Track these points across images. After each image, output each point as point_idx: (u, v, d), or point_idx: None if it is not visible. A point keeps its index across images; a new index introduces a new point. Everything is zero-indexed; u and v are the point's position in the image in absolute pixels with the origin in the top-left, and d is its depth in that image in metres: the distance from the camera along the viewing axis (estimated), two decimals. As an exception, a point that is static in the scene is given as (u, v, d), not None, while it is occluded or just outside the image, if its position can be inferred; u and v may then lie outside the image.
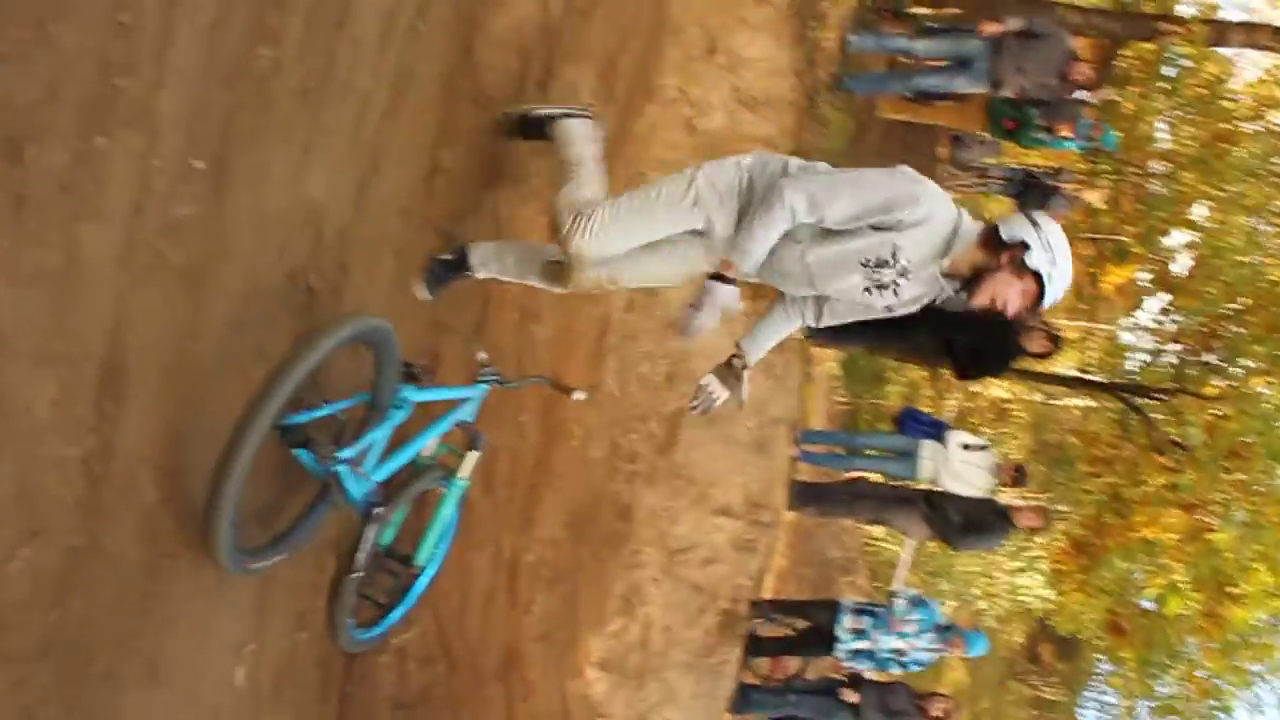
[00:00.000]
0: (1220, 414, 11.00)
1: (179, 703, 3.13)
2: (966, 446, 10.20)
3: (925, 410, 14.93)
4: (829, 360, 16.36)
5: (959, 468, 10.04)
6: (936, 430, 10.58)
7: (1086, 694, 31.78)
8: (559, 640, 7.15)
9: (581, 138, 4.50)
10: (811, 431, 12.12)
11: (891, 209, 3.70)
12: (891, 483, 11.09)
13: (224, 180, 2.93)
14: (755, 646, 10.62)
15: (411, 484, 4.07)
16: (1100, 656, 25.42)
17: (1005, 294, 3.76)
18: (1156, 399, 12.31)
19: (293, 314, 3.42)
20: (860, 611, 9.94)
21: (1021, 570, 21.53)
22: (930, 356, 12.74)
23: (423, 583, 4.51)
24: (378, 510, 3.71)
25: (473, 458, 4.37)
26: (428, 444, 4.18)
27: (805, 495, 10.73)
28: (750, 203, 3.89)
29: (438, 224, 4.58)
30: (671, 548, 8.97)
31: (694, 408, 4.10)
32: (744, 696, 10.39)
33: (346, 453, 3.48)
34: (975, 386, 20.47)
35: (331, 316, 3.51)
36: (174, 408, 2.95)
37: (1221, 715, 16.10)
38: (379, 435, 3.69)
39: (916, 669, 10.00)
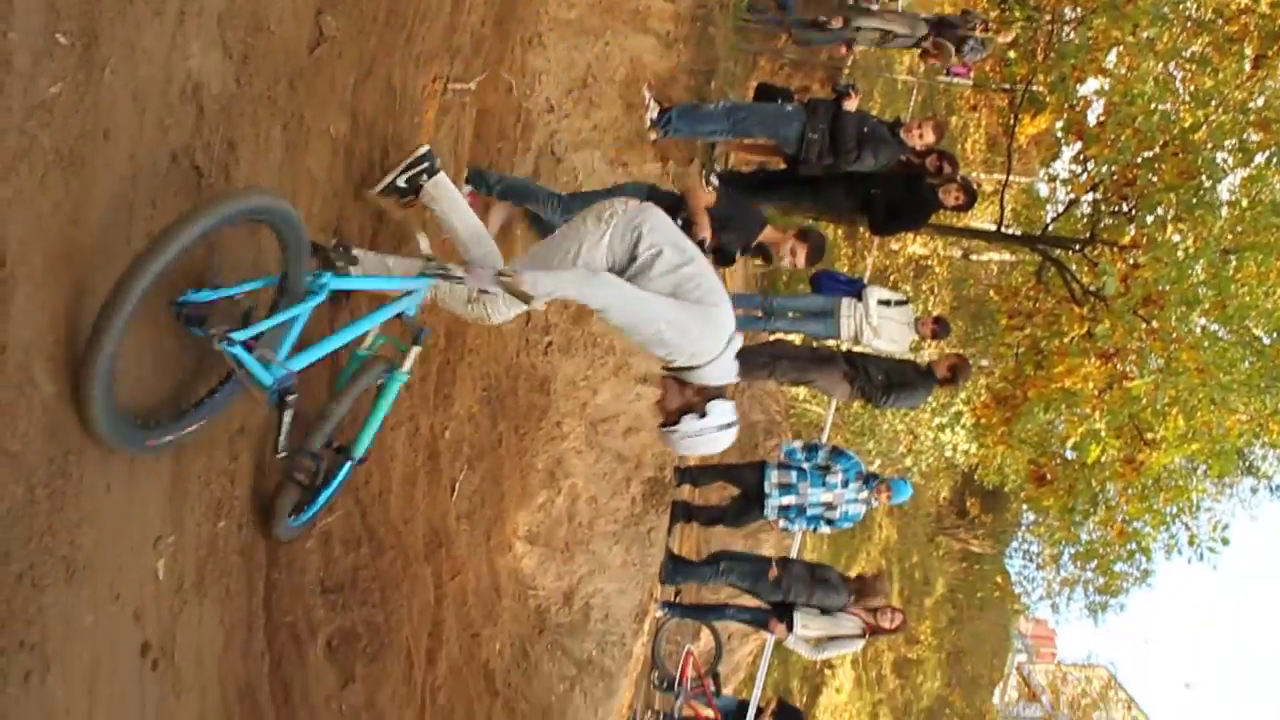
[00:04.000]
0: (1135, 262, 11.05)
1: (100, 599, 3.05)
2: (884, 302, 10.18)
3: (842, 270, 14.96)
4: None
5: (878, 323, 10.03)
6: (854, 288, 10.55)
7: (1013, 545, 32.67)
8: (484, 517, 7.15)
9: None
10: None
11: None
12: (812, 344, 11.10)
13: (93, 55, 2.77)
14: (685, 514, 10.70)
15: (356, 381, 4.11)
16: (1025, 507, 26.06)
17: None
18: (1073, 250, 12.37)
19: (180, 195, 3.28)
20: (786, 466, 9.96)
21: (945, 426, 21.80)
22: (846, 213, 12.70)
23: (347, 468, 4.45)
24: (290, 398, 3.59)
25: (415, 352, 4.34)
26: (365, 336, 4.12)
27: (724, 358, 10.66)
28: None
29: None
30: (593, 418, 8.97)
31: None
32: (674, 566, 10.49)
33: (242, 334, 3.30)
34: (893, 243, 20.53)
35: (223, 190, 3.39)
36: (63, 297, 2.82)
37: (1140, 556, 16.65)
38: (288, 320, 3.54)
39: (848, 524, 10.10)
